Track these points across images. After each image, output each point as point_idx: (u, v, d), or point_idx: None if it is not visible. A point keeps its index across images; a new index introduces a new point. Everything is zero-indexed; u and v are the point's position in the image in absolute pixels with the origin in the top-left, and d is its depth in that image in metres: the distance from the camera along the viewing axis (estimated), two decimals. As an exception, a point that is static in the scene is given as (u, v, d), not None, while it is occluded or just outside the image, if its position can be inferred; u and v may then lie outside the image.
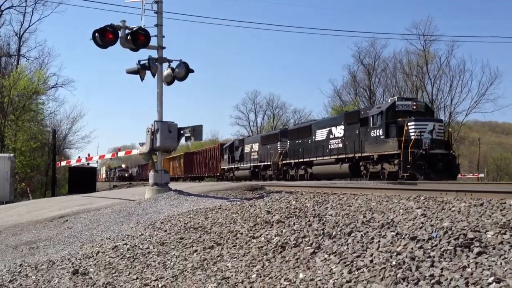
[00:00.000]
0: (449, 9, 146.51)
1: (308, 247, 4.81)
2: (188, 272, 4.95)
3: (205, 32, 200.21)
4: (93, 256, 6.45)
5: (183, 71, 12.59)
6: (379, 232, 4.70)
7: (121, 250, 6.39)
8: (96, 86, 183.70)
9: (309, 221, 5.76)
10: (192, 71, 12.67)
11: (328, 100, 78.49)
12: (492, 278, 3.21)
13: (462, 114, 54.53)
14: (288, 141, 29.49)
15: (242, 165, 36.05)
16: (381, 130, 20.96)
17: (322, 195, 8.71)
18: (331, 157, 24.39)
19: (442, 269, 3.50)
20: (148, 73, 12.39)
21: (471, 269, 3.42)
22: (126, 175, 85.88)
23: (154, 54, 12.62)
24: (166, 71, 12.74)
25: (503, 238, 3.85)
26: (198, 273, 4.83)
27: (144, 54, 12.81)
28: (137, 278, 5.12)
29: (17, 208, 15.85)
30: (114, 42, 12.01)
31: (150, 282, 4.89)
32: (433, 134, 19.70)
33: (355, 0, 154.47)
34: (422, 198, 6.79)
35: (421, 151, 19.00)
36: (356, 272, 3.84)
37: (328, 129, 25.39)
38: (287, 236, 5.28)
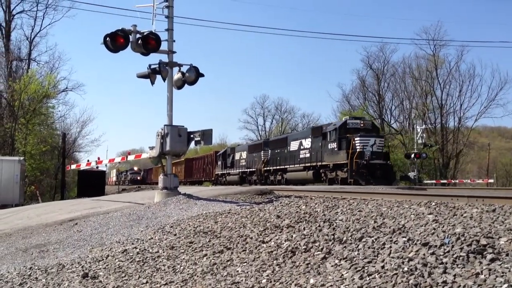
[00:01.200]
0: (459, 14, 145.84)
1: (318, 252, 4.78)
2: (198, 276, 4.94)
3: (214, 36, 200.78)
4: (102, 259, 6.45)
5: (193, 75, 12.62)
6: (391, 237, 4.67)
7: (131, 254, 6.39)
8: (106, 90, 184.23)
9: (319, 226, 5.74)
10: (202, 75, 12.69)
11: (337, 104, 78.34)
12: (505, 285, 3.18)
13: (471, 119, 54.40)
14: (270, 150, 33.39)
15: (232, 171, 39.72)
16: (335, 143, 25.09)
17: (332, 200, 8.68)
18: (300, 165, 28.30)
19: (455, 275, 3.47)
20: (158, 77, 12.43)
21: (484, 275, 3.38)
22: (138, 178, 79.47)
23: (164, 58, 12.66)
24: (176, 75, 12.78)
25: (517, 245, 3.81)
26: (208, 278, 4.82)
27: (154, 59, 12.86)
28: (146, 282, 5.12)
29: (27, 211, 15.94)
30: (125, 47, 12.07)
31: (160, 286, 4.88)
32: (373, 147, 23.84)
33: (364, 5, 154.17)
34: (433, 203, 6.74)
35: (363, 161, 23.09)
36: (368, 278, 3.81)
37: (299, 141, 29.39)
38: (297, 241, 5.26)
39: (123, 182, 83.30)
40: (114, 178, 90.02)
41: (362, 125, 25.49)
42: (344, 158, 23.86)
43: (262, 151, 33.95)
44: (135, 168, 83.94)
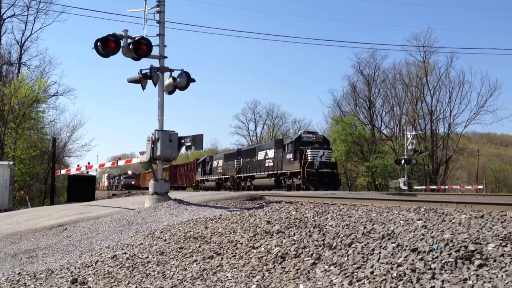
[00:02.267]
0: (449, 21, 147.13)
1: (308, 258, 4.80)
2: (187, 282, 4.94)
3: (206, 41, 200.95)
4: (92, 265, 6.43)
5: (184, 81, 12.62)
6: (380, 243, 4.69)
7: (120, 260, 6.37)
8: (97, 94, 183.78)
9: (309, 231, 5.75)
10: (193, 80, 12.70)
11: (328, 110, 78.62)
12: (493, 290, 3.20)
13: (461, 125, 54.62)
14: (242, 159, 36.37)
15: (210, 177, 42.70)
16: (292, 154, 28.40)
17: (322, 206, 8.70)
18: (265, 172, 31.57)
19: (443, 281, 3.49)
20: (149, 82, 12.42)
21: (472, 281, 3.41)
22: (133, 182, 73.71)
23: (155, 63, 12.67)
24: (167, 81, 12.77)
25: (504, 251, 3.85)
26: (198, 283, 4.82)
27: (145, 63, 12.87)
28: (136, 287, 5.10)
29: (16, 216, 15.81)
30: (116, 51, 12.05)
31: (150, 292, 4.87)
32: (322, 158, 27.06)
33: (355, 11, 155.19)
34: (423, 209, 6.78)
35: (313, 170, 26.33)
36: (357, 284, 3.83)
37: (265, 151, 32.57)
38: (287, 247, 5.27)
39: (115, 187, 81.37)
40: (106, 183, 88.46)
41: (314, 138, 29.05)
42: (298, 167, 27.24)
43: (235, 160, 36.90)
44: (129, 172, 78.86)
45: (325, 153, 27.57)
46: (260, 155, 33.07)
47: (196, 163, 47.52)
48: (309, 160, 26.77)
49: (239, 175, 35.70)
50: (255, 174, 33.09)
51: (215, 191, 34.18)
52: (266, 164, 31.70)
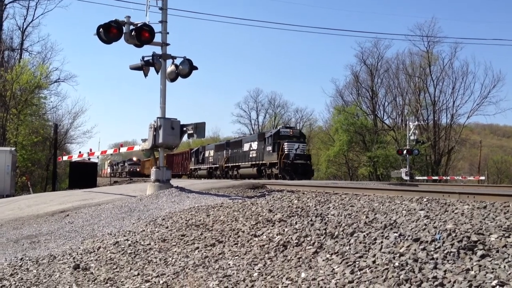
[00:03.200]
0: (453, 11, 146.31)
1: (310, 247, 4.80)
2: (189, 269, 4.95)
3: (208, 29, 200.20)
4: (94, 251, 6.45)
5: (187, 68, 12.58)
6: (382, 233, 4.69)
7: (122, 246, 6.39)
8: (99, 81, 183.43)
9: (311, 220, 5.75)
10: (196, 68, 12.65)
11: (330, 99, 78.38)
12: (495, 281, 3.20)
13: (464, 116, 54.61)
14: (230, 150, 38.91)
15: (202, 166, 45.53)
16: (271, 147, 31.09)
17: (324, 195, 8.70)
18: (249, 163, 34.26)
19: (445, 271, 3.49)
20: (151, 69, 12.38)
21: (475, 272, 3.41)
22: (138, 169, 70.21)
23: (158, 50, 12.62)
24: (170, 68, 12.73)
25: (507, 241, 3.84)
26: (200, 271, 4.83)
27: (148, 50, 12.81)
28: (138, 274, 5.12)
29: (18, 202, 15.86)
30: (118, 38, 12.00)
31: (151, 279, 4.88)
32: (297, 151, 29.71)
33: (359, 1, 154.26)
34: (425, 199, 6.77)
35: (288, 161, 29.00)
36: (359, 273, 3.83)
37: (250, 143, 35.26)
38: (289, 235, 5.27)
39: (119, 174, 79.03)
40: (109, 170, 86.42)
41: (291, 133, 32.06)
42: (276, 158, 29.98)
43: (225, 150, 39.51)
44: (134, 159, 75.66)
45: (300, 146, 30.36)
46: (246, 147, 35.71)
47: (190, 152, 49.86)
48: (286, 152, 29.43)
49: (227, 165, 38.42)
50: (240, 164, 35.91)
51: (207, 179, 36.99)
52: (250, 155, 34.50)
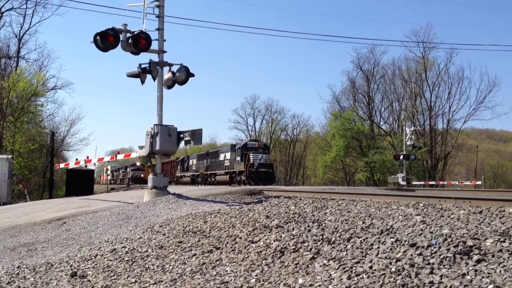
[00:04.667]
0: (448, 17, 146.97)
1: (307, 253, 4.81)
2: (187, 276, 4.95)
3: (205, 35, 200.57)
4: (91, 258, 6.44)
5: (183, 75, 12.61)
6: (379, 238, 4.71)
7: (120, 253, 6.38)
8: (96, 88, 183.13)
9: (308, 226, 5.77)
10: (192, 75, 12.69)
11: (327, 105, 78.49)
12: (491, 286, 3.22)
13: (460, 121, 54.75)
14: (209, 159, 42.99)
15: (187, 174, 49.55)
16: (240, 157, 35.43)
17: (321, 201, 8.72)
18: (224, 171, 38.81)
19: (441, 276, 3.51)
20: (148, 76, 12.41)
21: (471, 276, 3.43)
22: (142, 175, 63.93)
23: (155, 57, 12.65)
24: (166, 75, 12.76)
25: (502, 246, 3.87)
26: (197, 277, 4.83)
27: (145, 58, 12.84)
28: (135, 281, 5.12)
29: (15, 209, 15.83)
30: (115, 46, 12.03)
31: (149, 286, 4.88)
32: (261, 160, 34.49)
33: (355, 7, 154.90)
34: (421, 205, 6.80)
35: (253, 169, 33.65)
36: (356, 278, 3.85)
37: (224, 153, 39.53)
38: (286, 241, 5.28)
39: (121, 180, 75.07)
40: (109, 176, 79.14)
41: (256, 145, 36.58)
42: (243, 167, 34.40)
43: (205, 160, 43.82)
44: (138, 164, 69.48)
45: (264, 157, 35.13)
46: (221, 157, 39.97)
47: (177, 161, 53.29)
48: (251, 161, 34.01)
49: (207, 172, 42.96)
50: (217, 172, 40.49)
51: (190, 185, 40.72)
52: (225, 164, 38.89)
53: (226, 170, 38.10)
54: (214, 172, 41.04)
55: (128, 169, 73.22)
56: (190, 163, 48.77)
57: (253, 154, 34.56)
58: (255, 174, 33.44)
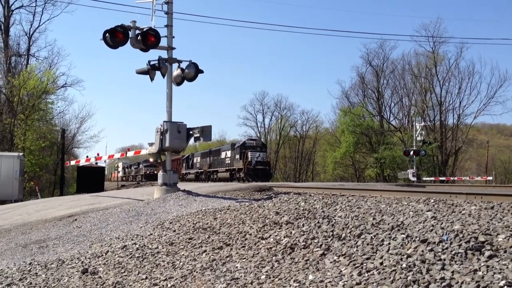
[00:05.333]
0: (459, 11, 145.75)
1: (317, 249, 4.80)
2: (197, 272, 4.96)
3: (214, 31, 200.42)
4: (102, 255, 6.47)
5: (192, 72, 12.62)
6: (389, 234, 4.69)
7: (130, 250, 6.41)
8: (105, 85, 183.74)
9: (318, 222, 5.75)
10: (201, 71, 12.70)
11: (336, 101, 78.39)
12: (503, 281, 3.19)
13: (470, 116, 54.45)
14: (212, 157, 45.55)
15: (191, 171, 52.37)
16: (239, 155, 37.89)
17: (331, 197, 8.70)
18: (224, 168, 41.46)
19: (453, 272, 3.49)
20: (158, 73, 12.43)
21: (482, 272, 3.40)
22: (156, 172, 54.64)
23: (163, 54, 12.67)
24: (176, 72, 12.78)
25: (515, 242, 3.83)
26: (207, 274, 4.84)
27: (154, 54, 12.86)
28: (146, 278, 5.14)
29: (26, 207, 15.95)
30: (124, 43, 12.07)
31: (159, 282, 4.90)
32: (258, 158, 36.92)
33: (364, 2, 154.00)
34: (432, 200, 6.76)
35: (251, 167, 36.01)
36: (366, 274, 3.83)
37: (225, 152, 42.01)
38: (296, 238, 5.27)
39: (133, 177, 73.01)
40: (121, 173, 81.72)
41: (254, 144, 38.95)
42: (241, 165, 36.83)
43: (208, 157, 46.42)
44: (151, 160, 64.10)
45: (261, 155, 37.46)
46: (223, 155, 42.50)
47: (182, 159, 55.14)
48: (249, 159, 36.26)
49: (209, 170, 45.51)
50: (218, 169, 42.98)
51: (195, 182, 43.61)
52: (226, 162, 41.28)
53: (227, 168, 40.67)
54: (216, 169, 43.66)
55: (141, 166, 70.57)
56: (195, 160, 51.30)
57: (251, 152, 36.92)
58: (253, 171, 35.78)
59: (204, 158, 47.60)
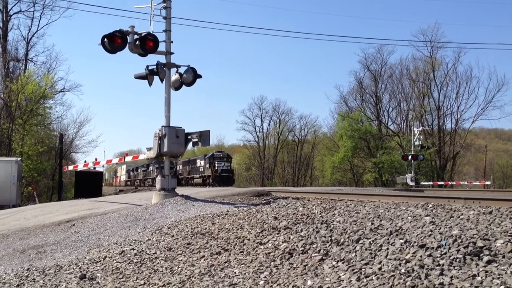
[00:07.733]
0: (456, 16, 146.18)
1: (316, 254, 4.80)
2: (195, 278, 4.95)
3: (212, 37, 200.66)
4: (100, 261, 6.46)
5: (191, 77, 12.63)
6: (388, 239, 4.68)
7: (128, 255, 6.40)
8: (104, 91, 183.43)
9: (316, 227, 5.75)
10: (200, 76, 12.71)
11: (334, 106, 78.26)
12: (502, 287, 3.20)
13: (468, 121, 54.50)
14: (190, 165, 51.46)
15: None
16: (208, 164, 44.22)
17: (329, 202, 8.70)
18: (198, 175, 47.86)
19: (451, 277, 3.49)
20: (156, 78, 12.44)
21: (481, 277, 3.40)
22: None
23: (162, 59, 12.68)
24: (174, 77, 12.79)
25: (513, 247, 3.83)
26: (206, 279, 4.83)
27: (152, 59, 12.87)
28: (144, 283, 5.13)
29: (24, 212, 15.91)
30: (122, 47, 12.08)
31: (158, 288, 4.89)
32: (223, 167, 43.47)
33: (362, 7, 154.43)
34: (430, 205, 6.76)
35: (217, 174, 42.43)
36: (365, 280, 3.83)
37: (199, 161, 48.17)
38: (295, 243, 5.27)
39: (141, 181, 63.68)
40: (124, 177, 73.48)
41: (221, 155, 45.39)
42: (210, 172, 43.24)
43: (187, 165, 52.29)
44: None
45: (226, 164, 43.97)
46: (197, 163, 48.61)
47: None
48: (216, 168, 42.83)
49: (188, 176, 51.51)
50: (194, 175, 49.38)
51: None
52: (200, 169, 47.31)
53: (200, 174, 47.29)
54: (192, 176, 50.15)
55: (150, 168, 59.87)
56: (178, 168, 55.68)
57: (218, 162, 43.65)
58: (219, 178, 42.46)
59: (185, 166, 53.86)
